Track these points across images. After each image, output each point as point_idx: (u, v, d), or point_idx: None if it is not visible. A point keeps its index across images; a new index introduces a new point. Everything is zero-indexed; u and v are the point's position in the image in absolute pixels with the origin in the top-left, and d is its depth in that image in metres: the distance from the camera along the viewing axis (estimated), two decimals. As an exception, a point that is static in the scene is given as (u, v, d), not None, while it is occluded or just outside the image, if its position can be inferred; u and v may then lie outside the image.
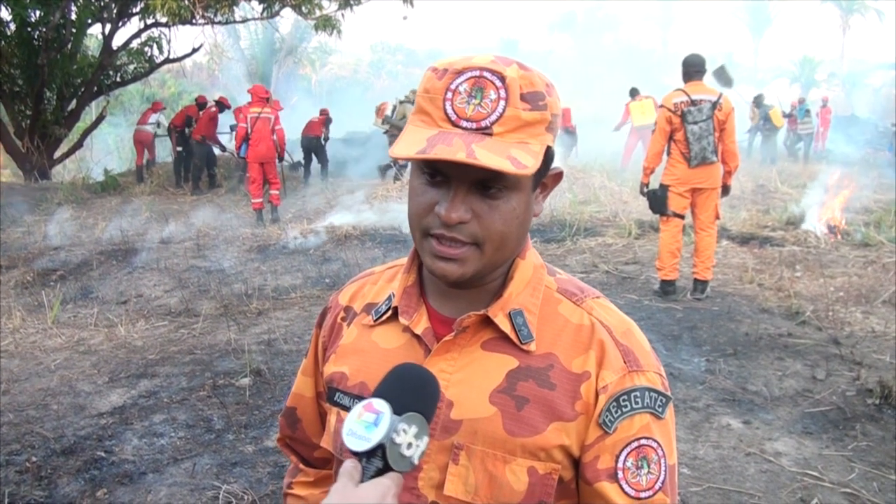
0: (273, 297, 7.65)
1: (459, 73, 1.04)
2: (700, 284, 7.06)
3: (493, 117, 1.02)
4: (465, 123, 1.02)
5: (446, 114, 1.03)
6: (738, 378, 5.13)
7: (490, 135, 1.02)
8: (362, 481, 0.92)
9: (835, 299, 6.96)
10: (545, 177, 1.15)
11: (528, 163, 1.01)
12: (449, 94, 1.04)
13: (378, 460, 0.93)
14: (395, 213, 11.43)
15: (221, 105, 16.56)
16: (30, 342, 6.32)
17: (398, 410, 0.94)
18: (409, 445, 0.94)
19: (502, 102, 1.02)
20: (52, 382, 5.30)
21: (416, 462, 0.95)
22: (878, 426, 4.42)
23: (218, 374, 5.36)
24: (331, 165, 17.39)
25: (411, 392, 0.99)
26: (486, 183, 1.05)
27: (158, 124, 17.54)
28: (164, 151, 18.85)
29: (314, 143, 17.01)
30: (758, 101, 21.47)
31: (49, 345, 6.24)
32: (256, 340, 6.11)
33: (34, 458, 4.13)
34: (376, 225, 10.98)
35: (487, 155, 0.98)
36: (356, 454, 0.93)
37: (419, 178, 1.10)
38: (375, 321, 1.24)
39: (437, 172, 1.06)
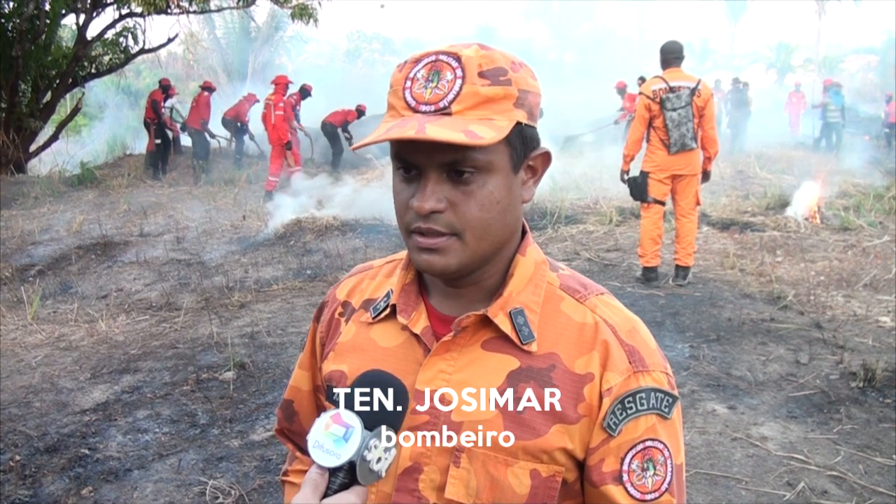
0: (255, 289, 7.61)
1: (417, 61, 1.05)
2: (682, 270, 7.09)
3: (451, 96, 1.01)
4: (424, 107, 1.02)
5: (406, 102, 1.03)
6: (722, 363, 5.15)
7: (449, 114, 1.00)
8: (326, 493, 0.91)
9: (816, 284, 7.00)
10: (528, 158, 1.11)
11: (487, 135, 0.98)
12: (408, 83, 1.04)
13: (345, 475, 0.92)
14: (377, 203, 11.38)
15: (209, 89, 16.55)
16: (10, 339, 6.24)
17: (368, 423, 0.93)
18: (379, 460, 0.93)
19: (459, 81, 1.01)
20: (33, 380, 5.24)
21: (383, 475, 0.94)
22: (863, 409, 4.46)
23: (201, 368, 5.32)
24: (315, 156, 17.30)
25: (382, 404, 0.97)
26: (454, 167, 1.03)
27: (172, 109, 17.14)
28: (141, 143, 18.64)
29: (328, 130, 16.94)
30: (735, 83, 21.34)
31: (29, 341, 6.17)
32: (239, 333, 6.07)
33: (18, 457, 4.09)
34: (357, 215, 10.93)
35: (440, 130, 0.97)
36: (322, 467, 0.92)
37: (397, 176, 1.09)
38: (374, 319, 1.22)
39: (410, 166, 1.05)
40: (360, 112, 17.01)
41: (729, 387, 4.79)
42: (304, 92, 16.21)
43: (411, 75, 1.04)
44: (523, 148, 1.09)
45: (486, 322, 1.12)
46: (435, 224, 1.04)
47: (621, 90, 18.17)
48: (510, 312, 1.12)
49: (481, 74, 1.02)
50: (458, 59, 1.02)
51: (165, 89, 16.74)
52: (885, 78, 29.81)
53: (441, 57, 1.03)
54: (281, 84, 13.90)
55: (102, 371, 5.39)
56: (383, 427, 0.94)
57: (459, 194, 1.04)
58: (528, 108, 1.06)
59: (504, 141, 1.03)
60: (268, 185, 13.00)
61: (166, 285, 7.84)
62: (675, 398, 1.13)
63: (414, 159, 1.04)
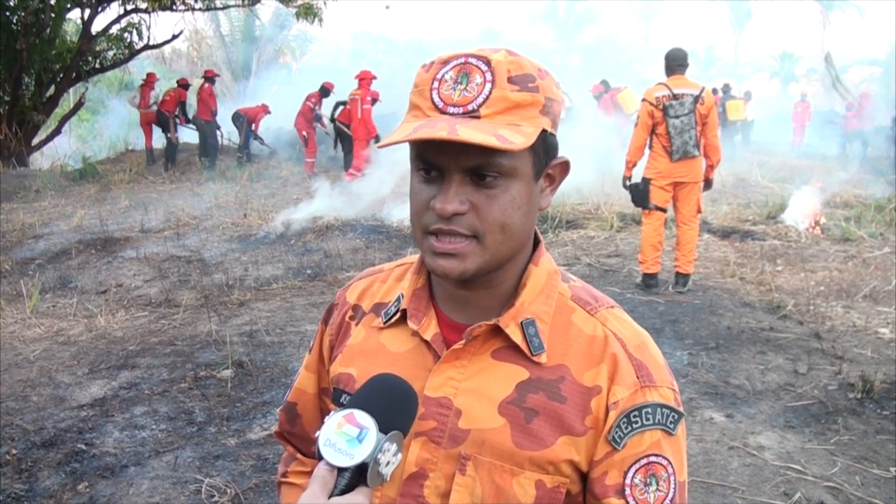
0: (254, 287, 7.60)
1: (446, 62, 1.04)
2: (682, 278, 7.09)
3: (480, 99, 1.00)
4: (452, 109, 1.01)
5: (433, 102, 1.02)
6: (721, 372, 5.15)
7: (478, 118, 1.00)
8: (333, 492, 0.91)
9: (816, 294, 7.00)
10: (548, 167, 1.11)
11: (517, 140, 0.98)
12: (436, 84, 1.03)
13: (352, 475, 0.91)
14: (379, 202, 11.38)
15: (211, 78, 16.60)
16: (8, 332, 6.24)
17: (381, 426, 0.93)
18: (388, 463, 0.93)
19: (488, 85, 1.00)
20: (31, 374, 5.24)
21: (387, 479, 0.94)
22: (860, 420, 4.45)
23: (199, 366, 5.31)
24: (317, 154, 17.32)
25: (396, 408, 0.98)
26: (479, 171, 1.02)
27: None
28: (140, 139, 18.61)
29: (338, 128, 16.97)
30: (723, 91, 21.09)
31: (28, 335, 6.17)
32: (238, 332, 6.06)
33: (14, 451, 4.08)
34: (358, 215, 10.93)
35: (471, 132, 0.96)
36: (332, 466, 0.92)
37: (416, 177, 1.08)
38: (385, 323, 1.22)
39: (431, 167, 1.04)
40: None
41: (727, 395, 4.78)
42: (325, 91, 16.23)
43: (439, 76, 1.03)
44: (545, 156, 1.09)
45: (497, 331, 1.12)
46: (457, 226, 1.04)
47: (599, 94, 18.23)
48: (521, 323, 1.12)
49: (510, 80, 1.01)
50: (487, 62, 1.01)
51: (185, 89, 16.85)
52: (888, 89, 29.75)
53: (471, 60, 1.02)
54: (366, 79, 13.98)
55: (100, 366, 5.38)
56: (397, 432, 0.94)
57: (482, 197, 1.03)
58: (552, 116, 1.07)
59: (529, 147, 1.03)
60: (347, 175, 13.28)
61: (166, 282, 7.83)
62: (680, 415, 1.14)
63: (437, 161, 1.03)
